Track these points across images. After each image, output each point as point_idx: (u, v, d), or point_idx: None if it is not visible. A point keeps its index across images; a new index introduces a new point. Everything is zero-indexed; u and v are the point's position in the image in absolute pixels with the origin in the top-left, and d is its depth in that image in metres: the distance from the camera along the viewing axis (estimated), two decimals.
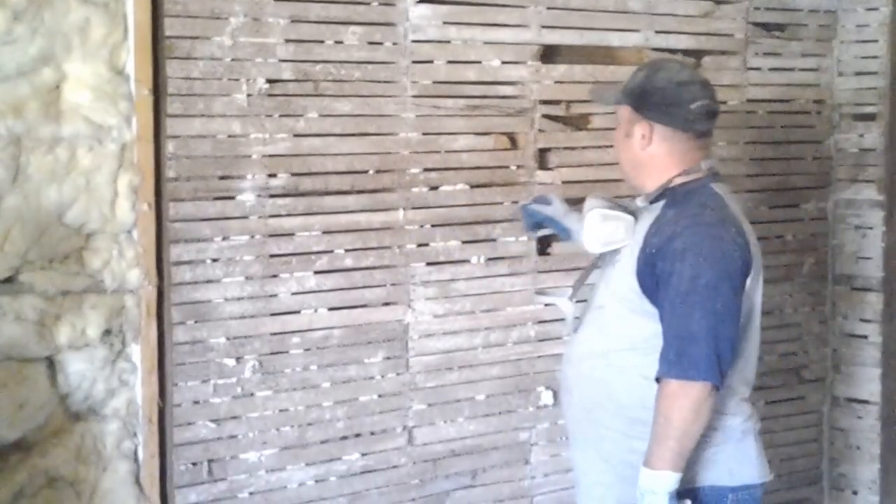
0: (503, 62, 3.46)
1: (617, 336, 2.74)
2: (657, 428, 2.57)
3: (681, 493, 2.62)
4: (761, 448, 2.77)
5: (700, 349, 2.55)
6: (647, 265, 2.66)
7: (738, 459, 2.72)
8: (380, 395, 3.38)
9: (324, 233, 3.24)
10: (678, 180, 2.73)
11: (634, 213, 2.79)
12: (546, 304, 3.28)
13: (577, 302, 2.98)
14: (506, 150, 3.49)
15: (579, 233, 2.94)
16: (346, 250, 3.27)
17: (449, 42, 3.38)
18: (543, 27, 3.51)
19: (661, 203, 2.74)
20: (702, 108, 2.73)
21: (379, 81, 3.27)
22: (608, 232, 2.75)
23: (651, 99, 2.72)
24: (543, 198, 3.11)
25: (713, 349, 2.56)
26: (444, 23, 3.36)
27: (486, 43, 3.43)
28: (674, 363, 2.56)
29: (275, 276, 3.18)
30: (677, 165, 2.74)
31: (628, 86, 2.78)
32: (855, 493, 4.33)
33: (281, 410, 3.23)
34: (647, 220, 2.73)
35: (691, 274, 2.57)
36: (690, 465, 2.63)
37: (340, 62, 3.21)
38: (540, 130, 3.53)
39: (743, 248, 2.65)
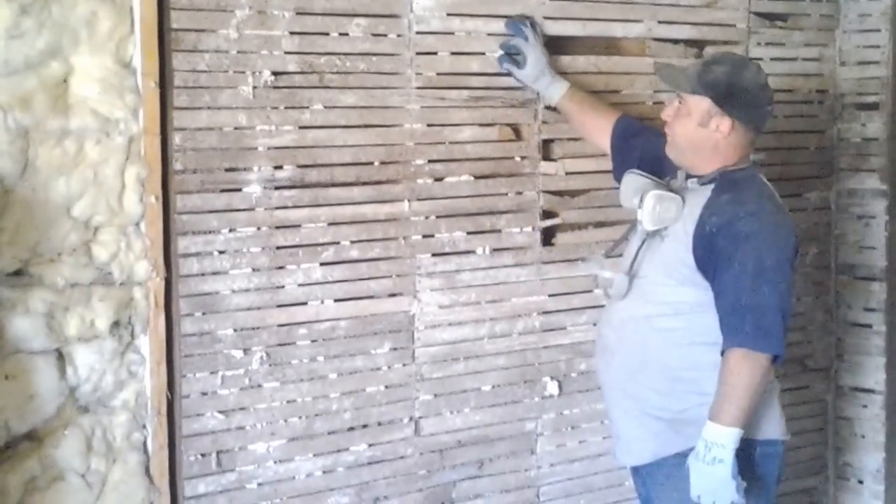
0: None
1: (661, 303, 3.02)
2: (727, 389, 2.85)
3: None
4: (781, 409, 3.09)
5: (772, 323, 2.86)
6: (704, 243, 2.93)
7: (765, 415, 3.02)
8: (386, 386, 3.39)
9: (330, 224, 3.25)
10: (731, 167, 2.99)
11: (678, 192, 3.05)
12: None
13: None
14: (510, 141, 3.50)
15: (543, 87, 3.42)
16: (352, 242, 3.28)
17: (453, 33, 3.39)
18: (546, 18, 3.53)
19: (711, 186, 2.99)
20: (771, 111, 3.08)
21: (383, 73, 3.28)
22: (663, 211, 2.99)
23: (739, 98, 2.98)
24: (519, 45, 3.40)
25: (781, 323, 2.89)
26: (448, 14, 3.37)
27: (489, 34, 3.44)
28: (749, 335, 2.85)
29: (281, 267, 3.19)
30: (736, 156, 3.02)
31: (708, 78, 2.99)
32: (860, 482, 4.34)
33: (288, 401, 3.24)
34: (697, 201, 2.99)
35: (757, 256, 2.86)
36: None
37: (345, 54, 3.22)
38: (544, 121, 3.55)
39: (795, 234, 2.99)
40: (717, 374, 2.91)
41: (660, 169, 3.20)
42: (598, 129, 3.45)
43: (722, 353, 2.90)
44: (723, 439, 2.84)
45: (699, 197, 3.00)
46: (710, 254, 2.92)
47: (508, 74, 3.44)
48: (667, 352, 3.01)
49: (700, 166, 3.05)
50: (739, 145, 3.03)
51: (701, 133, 3.00)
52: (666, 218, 3.00)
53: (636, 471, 3.20)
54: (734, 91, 2.98)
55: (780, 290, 2.89)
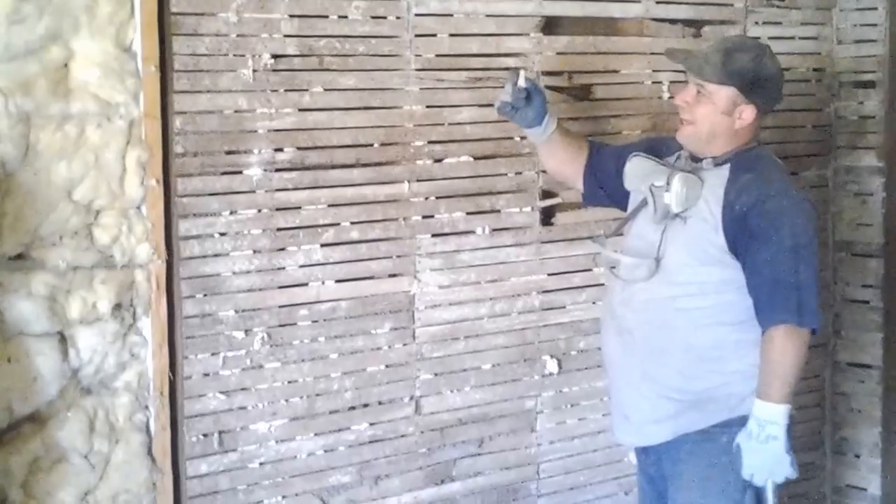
0: (506, 34, 3.48)
1: (685, 283, 3.00)
2: (775, 367, 2.89)
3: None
4: None
5: (811, 298, 2.90)
6: (735, 222, 2.93)
7: None
8: (387, 366, 3.41)
9: (330, 206, 3.26)
10: (744, 147, 3.05)
11: (693, 172, 3.02)
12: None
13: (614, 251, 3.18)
14: (509, 121, 3.50)
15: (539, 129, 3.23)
16: (353, 223, 3.30)
17: (451, 15, 3.40)
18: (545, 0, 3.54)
19: (727, 166, 3.00)
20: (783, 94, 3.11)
21: (383, 55, 3.29)
22: (689, 193, 2.97)
23: (764, 86, 3.00)
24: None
25: (817, 297, 2.93)
26: None
27: (488, 15, 3.45)
28: (793, 312, 2.88)
29: (282, 249, 3.21)
30: (752, 137, 3.06)
31: (733, 68, 2.98)
32: (857, 456, 4.37)
33: (290, 382, 3.26)
34: (716, 181, 3.00)
35: (791, 232, 2.90)
36: (742, 397, 2.97)
37: (344, 37, 3.23)
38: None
39: (815, 208, 3.05)
40: (742, 352, 2.96)
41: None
42: (580, 150, 3.33)
43: (763, 331, 2.92)
44: (775, 416, 2.87)
45: (716, 177, 3.00)
46: (742, 233, 2.92)
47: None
48: (692, 332, 3.00)
49: (714, 149, 3.04)
50: (756, 127, 3.05)
51: (724, 120, 3.00)
52: (691, 200, 2.98)
53: (646, 451, 3.19)
54: (759, 80, 3.00)
55: (814, 264, 2.94)
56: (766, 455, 2.88)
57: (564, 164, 3.35)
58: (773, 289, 2.89)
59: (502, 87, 3.30)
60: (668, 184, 2.97)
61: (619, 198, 3.26)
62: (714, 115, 3.00)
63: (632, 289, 3.08)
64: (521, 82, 3.10)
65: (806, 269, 2.90)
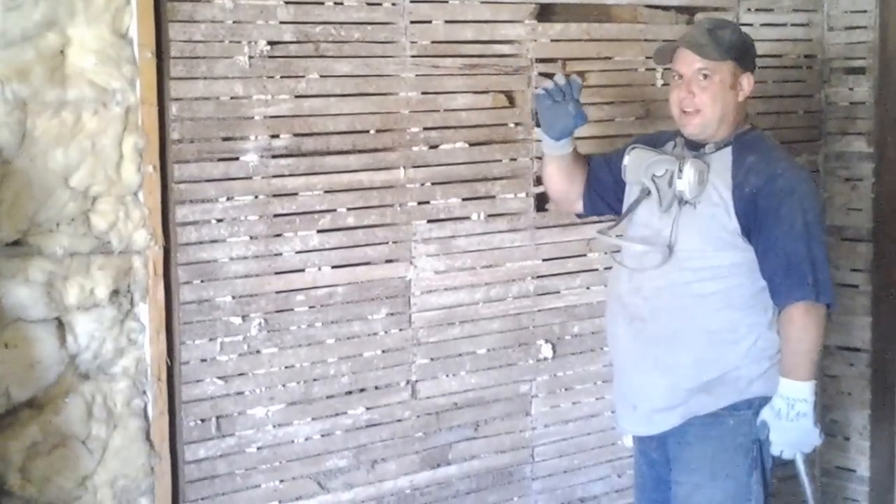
0: (500, 21, 3.49)
1: (698, 269, 3.03)
2: (797, 345, 2.94)
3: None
4: None
5: (824, 274, 2.95)
6: (746, 204, 2.98)
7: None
8: (383, 351, 3.43)
9: (326, 192, 3.27)
10: (741, 130, 3.09)
11: (698, 158, 3.06)
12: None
13: (618, 236, 3.24)
14: (504, 108, 3.53)
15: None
16: (349, 209, 3.31)
17: (447, 2, 3.41)
18: None
19: (728, 149, 3.04)
20: None
21: (378, 42, 3.30)
22: (701, 179, 3.00)
23: (750, 53, 3.08)
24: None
25: (829, 273, 2.98)
26: None
27: (483, 2, 3.46)
28: (810, 288, 2.93)
29: (279, 235, 3.22)
30: (745, 115, 3.11)
31: (726, 43, 3.04)
32: (847, 439, 4.39)
33: (287, 367, 3.28)
34: (721, 165, 3.04)
35: (802, 210, 2.94)
36: (750, 379, 3.02)
37: (340, 23, 3.23)
38: (536, 88, 3.56)
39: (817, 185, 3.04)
40: (753, 335, 3.00)
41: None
42: (584, 168, 3.34)
43: (780, 311, 2.96)
44: (803, 394, 2.93)
45: (720, 161, 3.04)
46: (753, 214, 2.96)
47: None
48: (708, 316, 3.03)
49: (720, 132, 3.07)
50: (748, 101, 3.11)
51: (730, 95, 3.04)
52: (702, 185, 3.01)
53: (650, 436, 3.19)
54: (747, 48, 3.08)
55: (823, 240, 3.00)
56: (797, 431, 2.94)
57: (572, 182, 3.32)
58: (787, 267, 2.93)
59: (497, 74, 3.34)
60: (679, 171, 3.00)
61: (615, 204, 3.29)
62: (723, 93, 3.03)
63: (641, 277, 3.09)
64: (559, 80, 3.13)
65: (817, 244, 2.95)
